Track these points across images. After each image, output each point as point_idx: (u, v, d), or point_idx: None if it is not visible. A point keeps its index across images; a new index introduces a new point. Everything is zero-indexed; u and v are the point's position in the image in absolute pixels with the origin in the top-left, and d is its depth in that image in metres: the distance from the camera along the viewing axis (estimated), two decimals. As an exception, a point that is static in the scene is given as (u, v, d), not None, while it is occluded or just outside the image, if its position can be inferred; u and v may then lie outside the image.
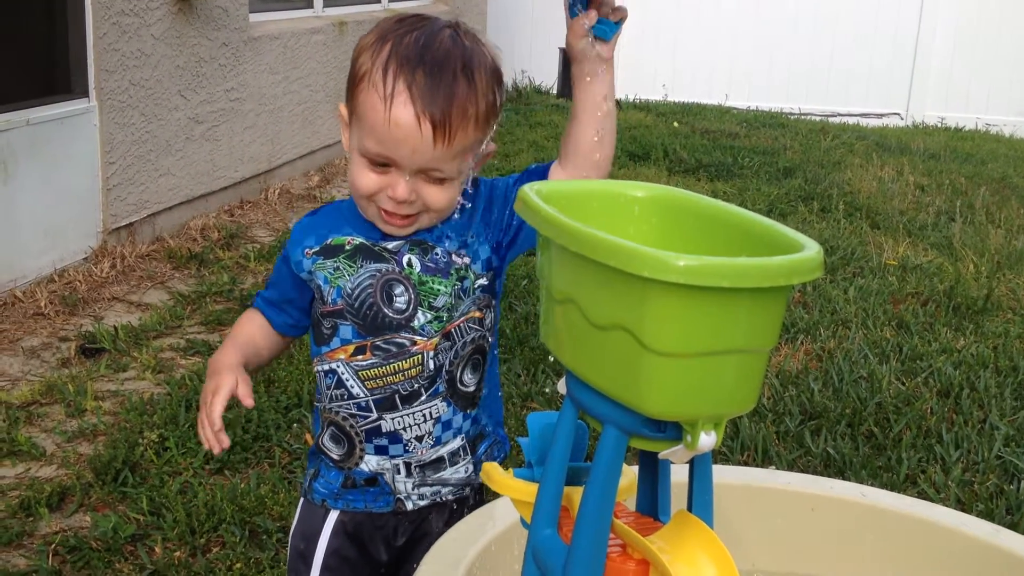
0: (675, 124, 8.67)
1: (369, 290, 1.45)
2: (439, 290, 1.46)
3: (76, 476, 2.69)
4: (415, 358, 1.46)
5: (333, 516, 1.54)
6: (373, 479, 1.51)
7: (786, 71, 10.69)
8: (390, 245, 1.46)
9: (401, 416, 1.48)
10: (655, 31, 10.88)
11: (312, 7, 6.56)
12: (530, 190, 1.05)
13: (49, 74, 4.15)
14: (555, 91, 10.31)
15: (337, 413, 1.50)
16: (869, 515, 1.52)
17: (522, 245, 1.50)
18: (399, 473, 1.51)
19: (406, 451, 1.50)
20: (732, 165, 6.99)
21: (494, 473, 1.16)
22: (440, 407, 1.49)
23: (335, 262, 1.47)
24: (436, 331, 1.46)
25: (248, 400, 1.44)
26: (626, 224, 1.11)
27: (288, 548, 1.62)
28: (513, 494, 1.13)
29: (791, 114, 10.26)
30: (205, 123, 5.07)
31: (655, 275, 0.85)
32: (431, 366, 1.47)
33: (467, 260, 1.48)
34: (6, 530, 2.44)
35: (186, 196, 4.96)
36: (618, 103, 9.55)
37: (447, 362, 1.48)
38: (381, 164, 1.37)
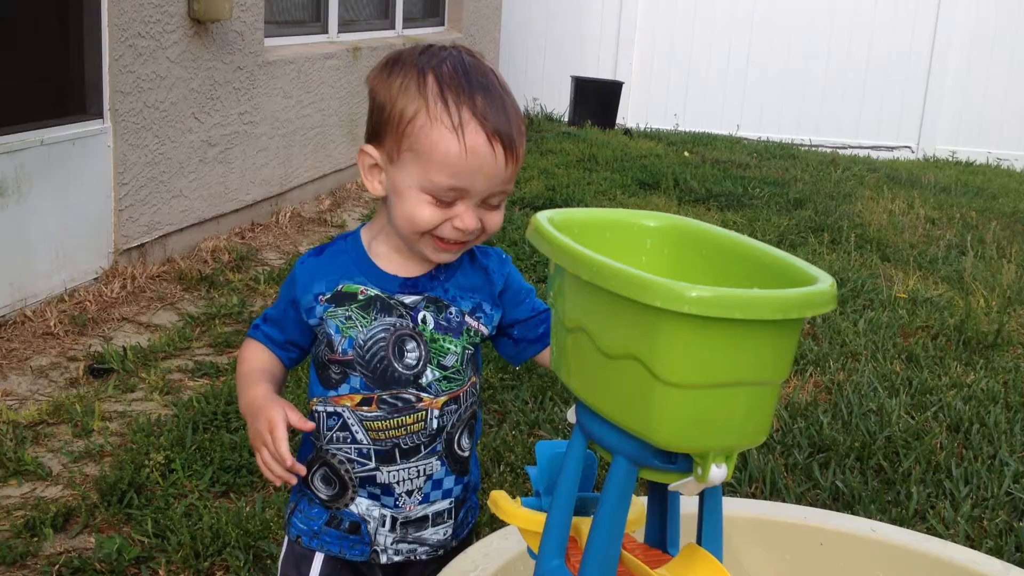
0: (686, 153, 8.68)
1: (382, 343, 1.43)
2: (449, 349, 1.46)
3: (81, 497, 2.68)
4: (420, 414, 1.46)
5: (320, 556, 1.53)
6: (357, 526, 1.50)
7: (797, 102, 10.71)
8: (407, 300, 1.45)
9: (397, 470, 1.47)
10: (667, 61, 10.93)
11: (327, 32, 6.60)
12: (543, 218, 1.05)
13: (64, 95, 4.18)
14: (566, 119, 10.35)
15: (334, 456, 1.49)
16: (879, 550, 1.51)
17: (501, 346, 1.56)
18: (383, 525, 1.50)
19: (396, 505, 1.49)
20: (743, 195, 7.00)
21: (502, 502, 1.15)
22: (435, 465, 1.49)
23: (347, 311, 1.44)
24: (443, 390, 1.46)
25: (306, 423, 1.43)
26: (638, 253, 1.11)
27: None
28: (521, 523, 1.12)
29: (802, 145, 10.28)
30: (218, 146, 5.09)
31: (667, 305, 0.85)
32: (434, 425, 1.47)
33: (477, 324, 1.48)
34: (10, 550, 2.43)
35: (198, 218, 4.98)
36: (629, 132, 9.58)
37: (449, 424, 1.48)
38: (448, 199, 1.35)
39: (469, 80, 1.35)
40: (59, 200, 4.04)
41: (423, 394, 1.45)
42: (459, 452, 1.51)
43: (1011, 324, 4.47)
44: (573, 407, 1.07)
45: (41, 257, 3.98)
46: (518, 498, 1.16)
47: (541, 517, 1.09)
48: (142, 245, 4.58)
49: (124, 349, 3.67)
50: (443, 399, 1.47)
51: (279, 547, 2.46)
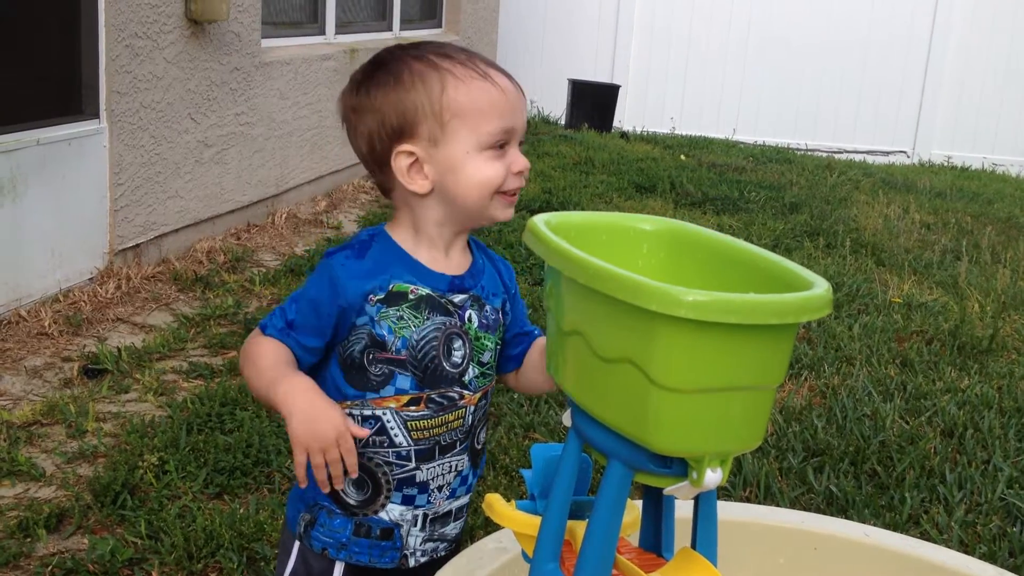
0: (682, 157, 8.69)
1: (434, 343, 1.44)
2: (487, 346, 1.49)
3: (75, 498, 2.68)
4: (460, 411, 1.47)
5: (340, 565, 1.51)
6: (389, 531, 1.48)
7: (794, 107, 10.73)
8: (456, 299, 1.46)
9: (435, 466, 1.48)
10: (664, 65, 10.94)
11: (324, 33, 6.60)
12: (539, 221, 1.05)
13: (60, 95, 4.17)
14: (563, 122, 10.35)
15: (370, 460, 1.46)
16: (872, 555, 1.51)
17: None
18: (415, 526, 1.49)
19: (429, 502, 1.49)
20: (738, 199, 7.00)
21: (497, 505, 1.15)
22: (464, 461, 1.51)
23: (398, 311, 1.43)
24: (480, 386, 1.49)
25: (362, 431, 1.42)
26: (635, 257, 1.11)
27: None
28: (515, 527, 1.12)
29: (798, 150, 10.29)
30: (214, 146, 5.09)
31: (663, 309, 0.85)
32: (470, 420, 1.49)
33: (504, 320, 1.53)
34: (3, 551, 2.42)
35: (193, 219, 4.97)
36: (625, 135, 9.57)
37: (477, 420, 1.51)
38: (500, 145, 1.41)
39: (461, 49, 1.46)
40: (55, 200, 4.03)
41: (465, 391, 1.47)
42: (477, 446, 1.54)
43: (1006, 329, 4.48)
44: (568, 410, 1.06)
45: (36, 257, 3.97)
46: (513, 501, 1.16)
47: (536, 520, 1.09)
48: (137, 245, 4.57)
49: (119, 350, 3.66)
50: (478, 395, 1.49)
51: (272, 548, 2.46)
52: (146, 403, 3.31)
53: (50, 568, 2.37)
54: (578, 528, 1.06)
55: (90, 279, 4.29)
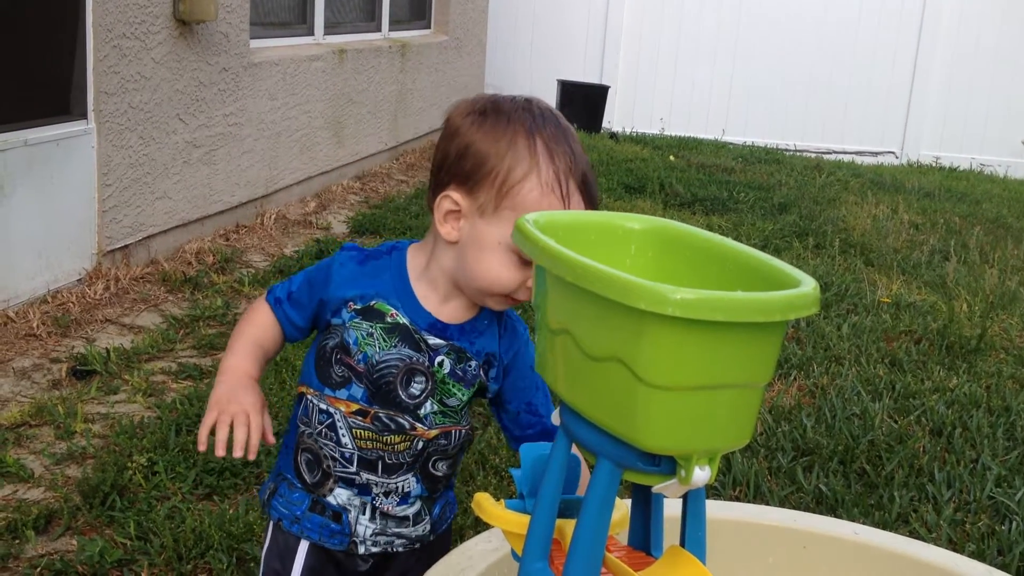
0: (671, 158, 8.70)
1: (393, 370, 1.45)
2: (455, 394, 1.48)
3: (64, 499, 2.67)
4: (409, 438, 1.48)
5: (305, 544, 1.55)
6: (339, 515, 1.52)
7: (783, 108, 10.76)
8: (431, 340, 1.46)
9: (377, 479, 1.50)
10: (653, 65, 10.96)
11: (313, 34, 6.59)
12: (527, 220, 1.05)
13: (48, 95, 4.16)
14: (553, 123, 10.34)
15: (321, 448, 1.51)
16: (861, 553, 1.51)
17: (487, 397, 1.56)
18: (363, 514, 1.52)
19: (372, 503, 1.52)
20: (728, 200, 7.02)
21: (485, 504, 1.15)
22: (411, 482, 1.52)
23: (371, 327, 1.45)
24: (438, 423, 1.49)
25: (271, 438, 1.46)
26: (623, 256, 1.11)
27: (261, 569, 1.60)
28: (504, 526, 1.12)
29: (787, 150, 10.32)
30: (203, 147, 5.08)
31: (651, 308, 0.85)
32: (419, 447, 1.49)
33: (488, 377, 1.51)
34: (-9, 552, 2.42)
35: (182, 219, 4.96)
36: (615, 136, 9.59)
37: (435, 452, 1.51)
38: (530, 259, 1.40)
39: (571, 147, 1.39)
40: (42, 201, 4.02)
41: (418, 424, 1.48)
42: (434, 472, 1.54)
43: (993, 329, 4.50)
44: (557, 409, 1.06)
45: (24, 258, 3.96)
46: (502, 500, 1.16)
47: (525, 519, 1.09)
48: (126, 246, 4.56)
49: (107, 351, 3.65)
50: (435, 432, 1.49)
51: (262, 548, 2.45)
52: (135, 404, 3.30)
53: (39, 570, 2.37)
54: (567, 527, 1.06)
55: (78, 280, 4.27)
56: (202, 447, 1.43)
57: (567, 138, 1.40)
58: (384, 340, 1.45)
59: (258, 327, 1.54)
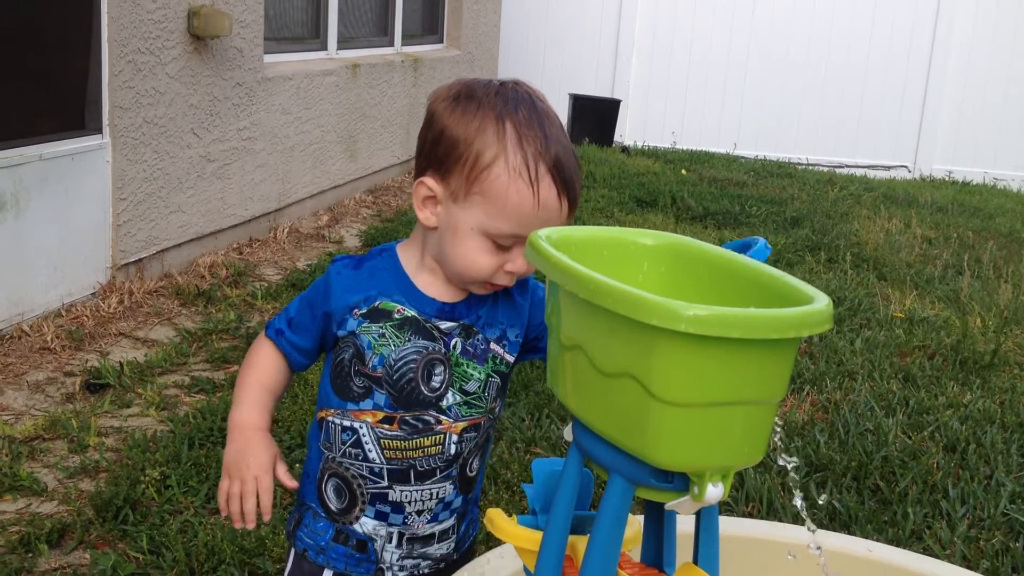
0: (683, 172, 8.70)
1: (412, 365, 1.44)
2: (472, 375, 1.47)
3: (77, 513, 2.67)
4: (438, 436, 1.46)
5: (329, 573, 1.53)
6: (364, 544, 1.50)
7: (795, 121, 10.74)
8: (442, 325, 1.45)
9: (410, 490, 1.48)
10: (665, 79, 10.97)
11: (326, 49, 6.62)
12: (540, 236, 1.05)
13: (63, 110, 4.19)
14: (565, 137, 10.36)
15: (347, 469, 1.49)
16: (876, 570, 1.50)
17: (540, 355, 1.52)
18: (390, 542, 1.50)
19: (404, 523, 1.50)
20: (739, 214, 7.01)
21: (498, 520, 1.15)
22: (447, 488, 1.50)
23: (381, 328, 1.44)
24: (463, 415, 1.47)
25: (292, 482, 1.47)
26: (635, 272, 1.11)
27: None
28: (517, 542, 1.12)
29: (799, 164, 10.30)
30: (217, 161, 5.10)
31: (664, 324, 0.85)
32: (452, 450, 1.47)
33: (503, 352, 1.49)
34: (5, 566, 2.42)
35: (196, 233, 4.98)
36: (626, 149, 9.57)
37: (466, 451, 1.49)
38: (506, 244, 1.38)
39: (544, 130, 1.37)
40: (57, 215, 4.04)
41: (443, 417, 1.46)
42: (469, 473, 1.53)
43: (1008, 344, 4.48)
44: (570, 425, 1.07)
45: (38, 272, 3.98)
46: (514, 516, 1.16)
47: (537, 535, 1.09)
48: (140, 260, 4.58)
49: (121, 364, 3.67)
50: (463, 424, 1.47)
51: (274, 564, 2.46)
52: (148, 418, 3.31)
53: (51, 583, 2.37)
54: (579, 543, 1.06)
55: (92, 294, 4.29)
56: (223, 513, 1.46)
57: (541, 122, 1.38)
58: (397, 337, 1.44)
59: (260, 370, 1.53)
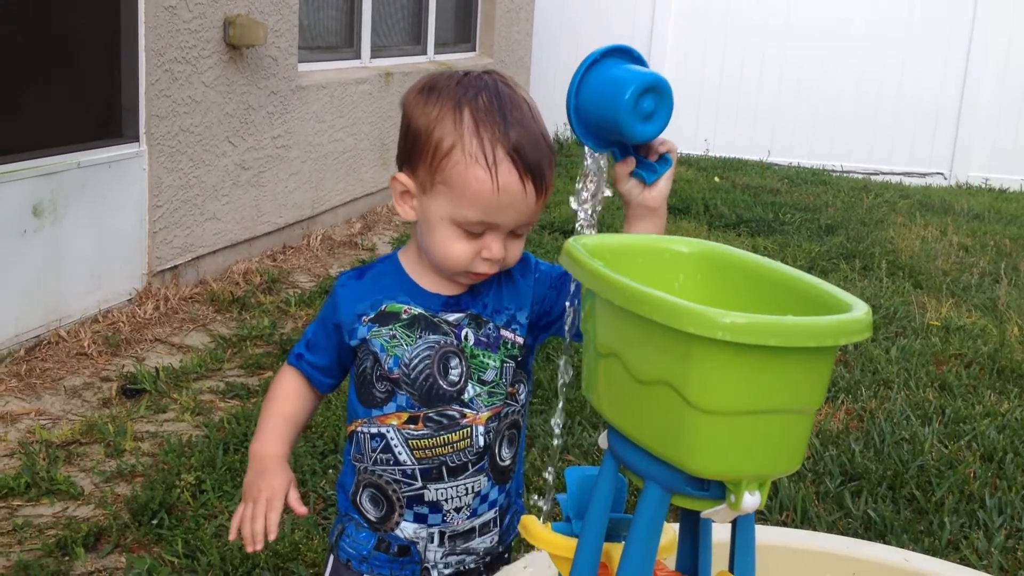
0: (716, 179, 8.67)
1: (427, 361, 1.45)
2: (488, 364, 1.47)
3: (113, 516, 2.70)
4: (464, 431, 1.47)
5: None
6: (406, 548, 1.51)
7: (829, 128, 10.67)
8: (450, 318, 1.46)
9: (445, 487, 1.48)
10: (698, 86, 10.93)
11: (360, 58, 6.66)
12: (576, 244, 1.05)
13: (101, 118, 4.24)
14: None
15: (380, 476, 1.50)
16: (912, 581, 1.49)
17: (556, 332, 1.52)
18: (432, 542, 1.51)
19: (444, 521, 1.50)
20: (773, 221, 6.97)
21: (532, 526, 1.15)
22: (482, 481, 1.50)
23: (391, 330, 1.46)
24: (485, 405, 1.47)
25: (301, 508, 1.48)
26: (671, 279, 1.11)
27: None
28: (551, 549, 1.12)
29: (833, 171, 10.23)
30: (252, 169, 5.14)
31: (700, 332, 0.85)
32: (481, 442, 1.48)
33: (514, 336, 1.49)
34: (42, 569, 2.45)
35: (230, 240, 5.02)
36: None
37: (494, 440, 1.50)
38: (477, 231, 1.38)
39: (504, 114, 1.37)
40: (94, 222, 4.08)
41: (466, 410, 1.46)
42: (500, 463, 1.52)
43: (1046, 353, 4.42)
44: (604, 432, 1.06)
45: (76, 278, 4.02)
46: (549, 523, 1.16)
47: (572, 543, 1.09)
48: (175, 267, 4.62)
49: (156, 370, 3.70)
50: (486, 415, 1.47)
51: (308, 568, 2.47)
52: (183, 423, 3.34)
53: (88, 587, 2.39)
54: (614, 551, 1.06)
55: (129, 300, 4.34)
56: (232, 536, 1.49)
57: (502, 107, 1.37)
58: (408, 336, 1.45)
59: (282, 399, 1.56)
